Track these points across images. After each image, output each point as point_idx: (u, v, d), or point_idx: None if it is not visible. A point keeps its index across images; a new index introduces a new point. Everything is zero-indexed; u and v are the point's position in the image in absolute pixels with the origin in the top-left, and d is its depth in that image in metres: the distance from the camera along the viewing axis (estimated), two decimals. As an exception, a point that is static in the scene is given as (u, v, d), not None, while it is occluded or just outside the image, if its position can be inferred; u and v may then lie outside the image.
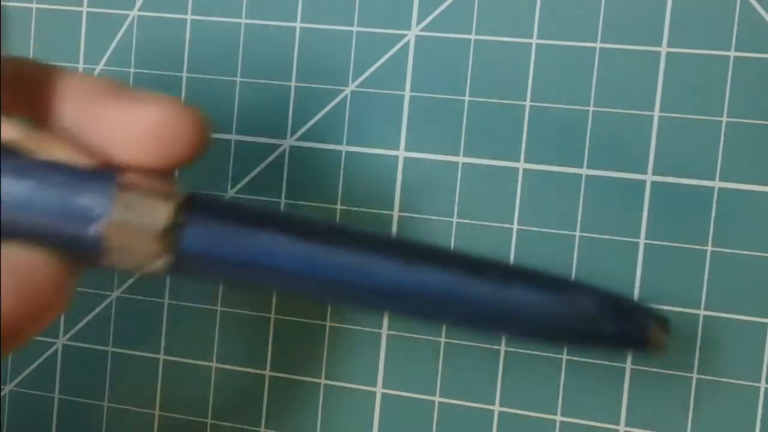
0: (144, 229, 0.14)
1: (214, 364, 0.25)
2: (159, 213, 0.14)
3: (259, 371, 0.25)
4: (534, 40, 0.22)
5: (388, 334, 0.24)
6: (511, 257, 0.23)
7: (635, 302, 0.17)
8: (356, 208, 0.24)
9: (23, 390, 0.26)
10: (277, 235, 0.15)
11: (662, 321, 0.16)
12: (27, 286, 0.15)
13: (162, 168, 0.15)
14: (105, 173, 0.15)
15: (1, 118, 0.15)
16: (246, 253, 0.15)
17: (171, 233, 0.15)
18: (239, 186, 0.24)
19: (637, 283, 0.22)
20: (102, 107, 0.15)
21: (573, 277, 0.22)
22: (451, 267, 0.15)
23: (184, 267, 0.15)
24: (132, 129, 0.15)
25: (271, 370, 0.25)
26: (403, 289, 0.15)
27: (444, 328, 0.23)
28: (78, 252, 0.15)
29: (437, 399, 0.23)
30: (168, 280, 0.25)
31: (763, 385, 0.21)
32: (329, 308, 0.24)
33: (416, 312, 0.16)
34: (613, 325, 0.16)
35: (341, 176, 0.24)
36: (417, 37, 0.23)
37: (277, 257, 0.15)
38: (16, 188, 0.15)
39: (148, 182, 0.15)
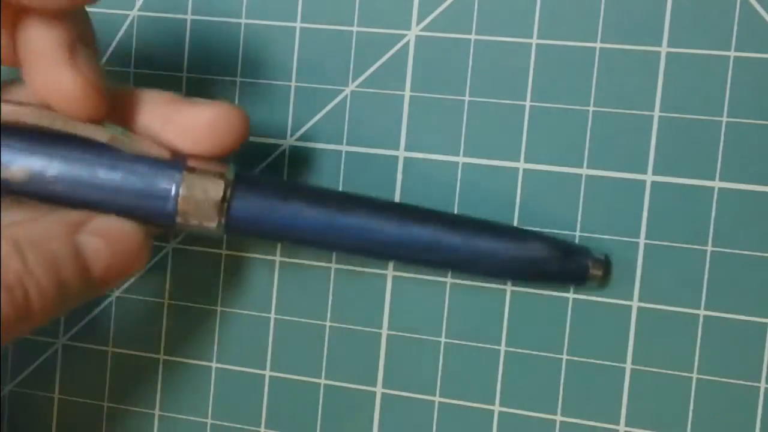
0: (205, 202, 0.20)
1: (214, 364, 0.25)
2: (215, 189, 0.20)
3: (259, 371, 0.25)
4: (534, 40, 0.22)
5: (388, 334, 0.24)
6: (511, 257, 0.23)
7: (577, 245, 0.22)
8: (356, 208, 0.24)
9: (23, 390, 0.26)
10: (303, 204, 0.21)
11: (599, 260, 0.21)
12: (120, 248, 0.20)
13: (216, 155, 0.21)
14: (175, 162, 0.20)
15: (102, 124, 0.20)
16: (278, 217, 0.21)
17: (223, 203, 0.20)
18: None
19: (637, 283, 0.22)
20: (170, 113, 0.21)
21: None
22: (433, 223, 0.21)
23: (234, 228, 0.21)
24: (194, 127, 0.21)
25: (271, 370, 0.25)
26: (398, 241, 0.21)
27: (445, 321, 0.23)
28: (156, 221, 0.20)
29: (437, 399, 0.23)
30: (168, 280, 0.25)
31: (763, 385, 0.21)
32: (329, 308, 0.24)
33: (408, 258, 0.21)
34: (557, 264, 0.21)
35: (341, 176, 0.24)
36: (417, 37, 0.23)
37: (302, 220, 0.21)
38: (112, 175, 0.20)
39: (206, 166, 0.20)
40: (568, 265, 0.21)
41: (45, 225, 0.20)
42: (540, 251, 0.21)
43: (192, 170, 0.20)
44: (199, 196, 0.20)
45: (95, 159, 0.20)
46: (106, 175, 0.20)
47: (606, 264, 0.22)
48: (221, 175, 0.20)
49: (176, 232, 0.21)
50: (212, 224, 0.20)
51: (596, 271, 0.21)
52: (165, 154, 0.20)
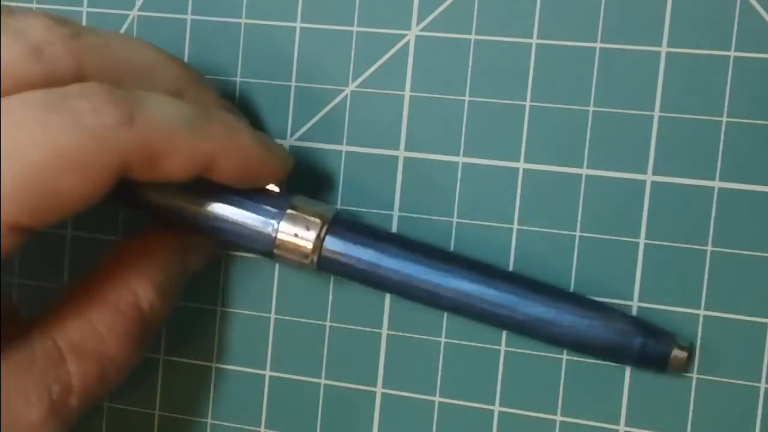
0: (302, 237, 0.22)
1: (214, 364, 0.25)
2: (313, 227, 0.22)
3: (259, 371, 0.25)
4: (534, 40, 0.22)
5: (388, 334, 0.24)
6: (511, 257, 0.23)
7: (662, 329, 0.21)
8: (356, 208, 0.24)
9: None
10: (388, 249, 0.22)
11: (684, 347, 0.21)
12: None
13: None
14: (282, 198, 0.22)
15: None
16: (365, 263, 0.22)
17: (319, 241, 0.22)
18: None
19: (637, 283, 0.22)
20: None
21: (573, 276, 0.22)
22: (513, 284, 0.21)
23: (324, 265, 0.22)
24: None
25: (271, 370, 0.25)
26: (479, 298, 0.21)
27: (445, 321, 0.23)
28: (258, 251, 0.22)
29: (437, 399, 0.23)
30: (168, 280, 0.25)
31: (763, 385, 0.21)
32: (329, 308, 0.24)
33: (485, 317, 0.22)
34: (639, 345, 0.21)
35: (341, 176, 0.24)
36: (417, 37, 0.23)
37: (385, 266, 0.22)
38: (235, 210, 0.22)
39: (309, 206, 0.22)
40: (650, 347, 0.21)
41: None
42: (623, 329, 0.21)
43: (294, 207, 0.22)
44: (297, 231, 0.22)
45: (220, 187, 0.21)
46: (227, 211, 0.22)
47: (690, 351, 0.21)
48: (320, 215, 0.22)
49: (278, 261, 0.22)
50: (306, 261, 0.22)
51: (680, 356, 0.21)
52: (275, 191, 0.22)
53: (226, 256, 0.25)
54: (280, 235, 0.21)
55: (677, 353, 0.21)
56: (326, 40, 0.24)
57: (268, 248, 0.22)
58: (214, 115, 0.20)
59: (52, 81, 0.19)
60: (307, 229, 0.22)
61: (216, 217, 0.22)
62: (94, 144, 0.18)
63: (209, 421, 0.25)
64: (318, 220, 0.22)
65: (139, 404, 0.25)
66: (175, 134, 0.19)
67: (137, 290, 0.22)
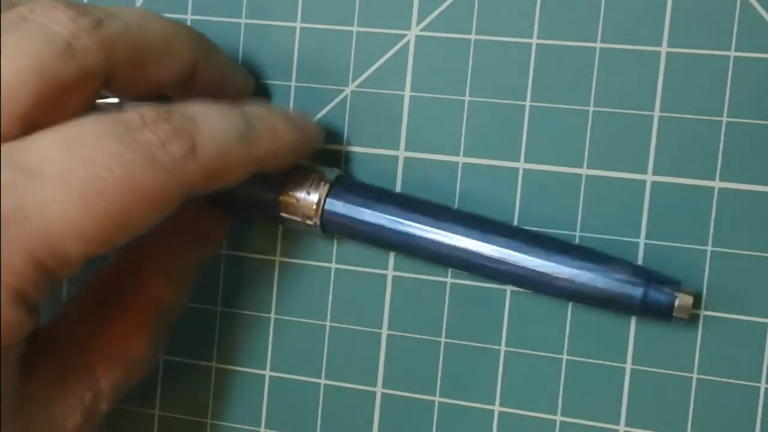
0: (306, 199, 0.22)
1: (214, 364, 0.25)
2: (315, 189, 0.22)
3: (258, 371, 0.25)
4: (534, 40, 0.22)
5: (388, 334, 0.24)
6: (511, 257, 0.23)
7: (667, 276, 0.21)
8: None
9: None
10: (389, 208, 0.22)
11: (689, 290, 0.21)
12: None
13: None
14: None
15: None
16: (368, 219, 0.22)
17: (322, 203, 0.22)
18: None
19: (637, 283, 0.22)
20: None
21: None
22: (513, 238, 0.21)
23: (328, 225, 0.22)
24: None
25: (271, 370, 0.25)
26: (478, 253, 0.21)
27: (445, 321, 0.23)
28: (265, 215, 0.23)
29: (437, 399, 0.23)
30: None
31: (763, 385, 0.21)
32: (329, 308, 0.24)
33: (485, 270, 0.22)
34: (641, 292, 0.20)
35: (341, 176, 0.24)
36: (417, 37, 0.23)
37: (387, 225, 0.22)
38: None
39: (311, 167, 0.22)
40: (652, 295, 0.21)
41: None
42: (624, 277, 0.21)
43: (299, 171, 0.22)
44: (300, 196, 0.22)
45: None
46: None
47: (696, 295, 0.21)
48: (322, 177, 0.22)
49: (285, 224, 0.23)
50: (310, 222, 0.22)
51: (685, 301, 0.20)
52: None
53: (227, 257, 0.25)
54: (284, 198, 0.22)
55: (682, 299, 0.20)
56: (326, 40, 0.24)
57: (275, 212, 0.22)
58: (256, 117, 0.20)
59: (87, 78, 0.18)
60: (310, 191, 0.22)
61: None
62: (166, 179, 0.18)
63: (209, 421, 0.25)
64: (321, 182, 0.22)
65: (139, 404, 0.25)
66: (233, 151, 0.19)
67: (155, 288, 0.22)
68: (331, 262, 0.24)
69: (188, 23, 0.25)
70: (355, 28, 0.24)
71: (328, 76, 0.24)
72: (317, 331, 0.24)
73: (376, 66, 0.23)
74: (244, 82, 0.23)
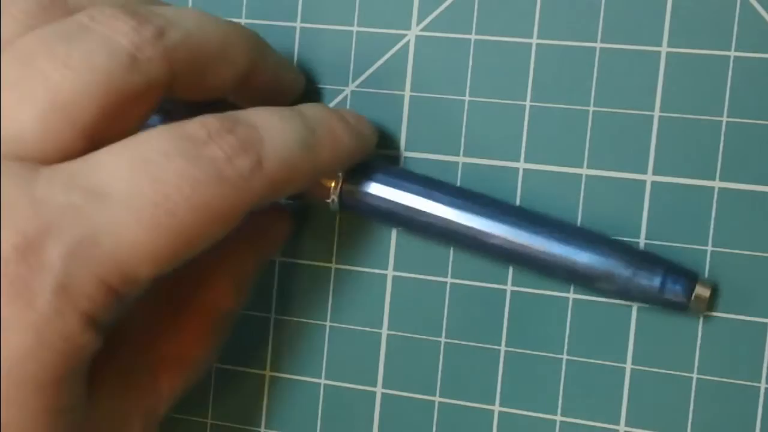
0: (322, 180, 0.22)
1: (214, 364, 0.25)
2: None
3: (259, 371, 0.25)
4: (534, 40, 0.22)
5: (388, 334, 0.24)
6: (511, 257, 0.23)
7: (683, 267, 0.21)
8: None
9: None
10: (408, 185, 0.22)
11: (708, 283, 0.21)
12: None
13: None
14: None
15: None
16: (383, 197, 0.22)
17: (339, 181, 0.22)
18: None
19: (637, 283, 0.22)
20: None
21: (573, 277, 0.22)
22: (526, 221, 0.21)
23: (345, 203, 0.22)
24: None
25: (271, 370, 0.25)
26: (509, 241, 0.21)
27: (445, 321, 0.23)
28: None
29: (437, 399, 0.23)
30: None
31: (763, 385, 0.21)
32: (329, 308, 0.24)
33: (517, 259, 0.22)
34: (660, 281, 0.21)
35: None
36: (417, 37, 0.23)
37: (406, 203, 0.22)
38: None
39: None
40: (669, 286, 0.21)
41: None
42: (643, 265, 0.21)
43: None
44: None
45: None
46: None
47: (714, 290, 0.21)
48: None
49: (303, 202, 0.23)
50: (328, 200, 0.22)
51: (701, 295, 0.21)
52: None
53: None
54: None
55: (700, 290, 0.21)
56: (326, 40, 0.24)
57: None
58: (316, 122, 0.20)
59: (151, 90, 0.18)
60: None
61: None
62: (234, 196, 0.18)
63: (209, 421, 0.25)
64: None
65: (139, 404, 0.25)
66: (297, 162, 0.19)
67: (218, 294, 0.22)
68: (331, 262, 0.24)
69: (188, 23, 0.25)
70: (355, 28, 0.24)
71: (328, 76, 0.24)
72: (317, 331, 0.24)
73: (376, 66, 0.23)
74: (296, 79, 0.23)
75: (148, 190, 0.17)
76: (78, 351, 0.17)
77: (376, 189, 0.22)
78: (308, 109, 0.20)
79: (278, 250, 0.24)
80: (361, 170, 0.22)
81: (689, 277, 0.21)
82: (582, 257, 0.21)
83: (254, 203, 0.18)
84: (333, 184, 0.22)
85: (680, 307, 0.21)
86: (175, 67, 0.19)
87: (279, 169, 0.18)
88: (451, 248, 0.23)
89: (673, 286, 0.21)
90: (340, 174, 0.22)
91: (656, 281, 0.21)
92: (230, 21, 0.20)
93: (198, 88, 0.20)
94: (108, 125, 0.18)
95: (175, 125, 0.18)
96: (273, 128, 0.19)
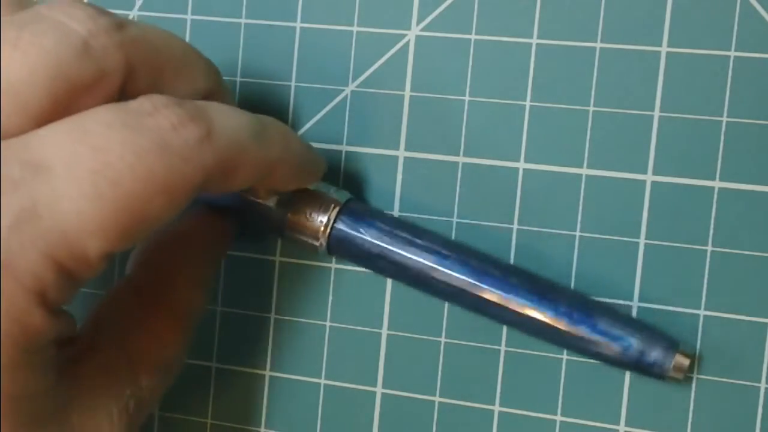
0: (314, 219, 0.22)
1: (214, 364, 0.25)
2: (324, 210, 0.22)
3: (259, 371, 0.25)
4: (534, 40, 0.22)
5: (388, 334, 0.24)
6: (511, 257, 0.23)
7: (663, 334, 0.21)
8: (356, 208, 0.24)
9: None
10: (396, 238, 0.22)
11: (686, 353, 0.21)
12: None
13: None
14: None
15: None
16: (373, 245, 0.22)
17: (330, 225, 0.22)
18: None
19: (637, 283, 0.22)
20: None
21: (573, 276, 0.22)
22: (516, 280, 0.21)
23: (333, 248, 0.22)
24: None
25: (271, 370, 0.25)
26: (499, 298, 0.21)
27: (445, 321, 0.23)
28: (269, 230, 0.23)
29: (437, 399, 0.23)
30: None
31: (763, 385, 0.21)
32: (329, 308, 0.24)
33: (504, 318, 0.22)
34: (637, 356, 0.21)
35: (341, 176, 0.24)
36: (417, 37, 0.23)
37: (394, 251, 0.22)
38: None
39: (320, 187, 0.22)
40: (646, 358, 0.21)
41: None
42: (620, 334, 0.21)
43: (307, 192, 0.22)
44: (309, 216, 0.22)
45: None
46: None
47: (692, 357, 0.21)
48: (333, 200, 0.22)
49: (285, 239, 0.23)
50: (316, 243, 0.22)
51: (680, 364, 0.21)
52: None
53: (227, 257, 0.25)
54: (292, 216, 0.22)
55: (678, 360, 0.21)
56: (326, 40, 0.24)
57: (281, 227, 0.22)
58: (267, 122, 0.20)
59: (104, 80, 0.18)
60: (319, 211, 0.22)
61: (229, 198, 0.22)
62: (181, 165, 0.17)
63: (209, 421, 0.25)
64: (331, 204, 0.22)
65: (139, 404, 0.25)
66: (247, 146, 0.18)
67: (186, 291, 0.22)
68: (331, 262, 0.24)
69: (188, 23, 0.25)
70: (355, 28, 0.24)
71: (328, 76, 0.24)
72: (317, 331, 0.24)
73: (376, 66, 0.23)
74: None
75: (89, 159, 0.16)
76: (31, 333, 0.16)
77: (363, 239, 0.22)
78: (262, 115, 0.20)
79: (229, 248, 0.24)
80: (351, 217, 0.22)
81: (667, 345, 0.21)
82: (564, 324, 0.21)
83: (203, 178, 0.17)
84: (322, 229, 0.22)
85: (658, 376, 0.21)
86: (131, 61, 0.18)
87: (227, 145, 0.18)
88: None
89: (650, 357, 0.21)
90: (330, 217, 0.22)
91: (632, 356, 0.21)
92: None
93: (154, 93, 0.19)
94: (59, 113, 0.17)
95: (121, 102, 0.17)
96: (223, 111, 0.18)
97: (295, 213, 0.22)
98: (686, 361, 0.21)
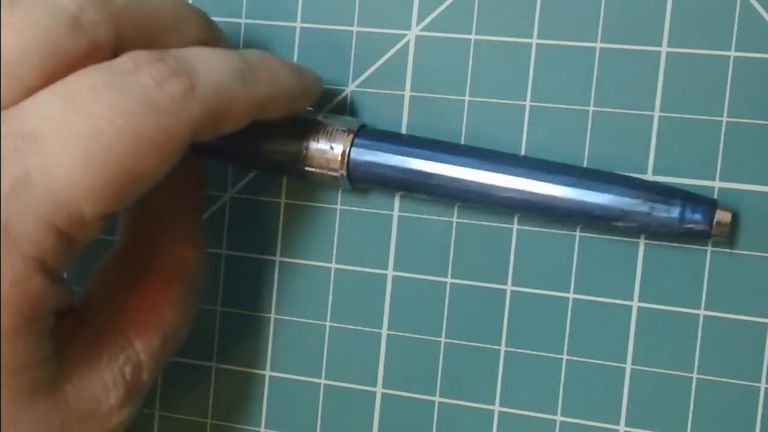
0: (330, 151, 0.22)
1: (214, 364, 0.25)
2: (339, 139, 0.22)
3: (258, 371, 0.25)
4: (534, 40, 0.22)
5: (388, 334, 0.24)
6: (511, 256, 0.23)
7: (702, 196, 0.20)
8: (356, 209, 0.24)
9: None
10: (415, 151, 0.22)
11: (727, 209, 0.20)
12: None
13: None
14: (308, 117, 0.23)
15: None
16: (392, 164, 0.22)
17: (347, 153, 0.22)
18: (241, 184, 0.24)
19: (637, 284, 0.22)
20: None
21: (573, 275, 0.22)
22: (542, 170, 0.21)
23: (354, 176, 0.22)
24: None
25: (271, 370, 0.25)
26: (519, 190, 0.21)
27: (445, 321, 0.23)
28: (288, 171, 0.23)
29: (437, 399, 0.23)
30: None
31: (763, 385, 0.21)
32: (329, 308, 0.24)
33: (529, 209, 0.21)
34: (679, 211, 0.20)
35: (341, 176, 0.24)
36: (417, 37, 0.23)
37: (414, 167, 0.22)
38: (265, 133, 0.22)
39: (332, 119, 0.22)
40: (689, 214, 0.20)
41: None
42: (660, 197, 0.20)
43: (321, 123, 0.22)
44: (325, 148, 0.22)
45: None
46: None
47: (734, 215, 0.20)
48: (346, 128, 0.22)
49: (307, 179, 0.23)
50: (336, 174, 0.22)
51: (722, 220, 0.20)
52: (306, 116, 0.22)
53: (227, 257, 0.25)
54: (308, 152, 0.22)
55: (721, 215, 0.20)
56: (326, 40, 0.24)
57: (298, 166, 0.22)
58: (255, 60, 0.20)
59: (95, 52, 0.18)
60: (334, 142, 0.22)
61: (248, 144, 0.22)
62: (168, 121, 0.17)
63: (209, 421, 0.25)
64: (345, 132, 0.22)
65: (139, 404, 0.25)
66: (233, 92, 0.19)
67: (180, 250, 0.22)
68: (331, 262, 0.24)
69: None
70: (355, 28, 0.24)
71: (328, 76, 0.24)
72: (317, 331, 0.24)
73: (376, 66, 0.23)
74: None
75: (79, 125, 0.17)
76: (30, 298, 0.17)
77: (383, 158, 0.22)
78: (247, 50, 0.20)
79: (203, 191, 0.24)
80: (364, 142, 0.22)
81: (708, 204, 0.20)
82: (597, 199, 0.20)
83: (191, 131, 0.18)
84: (340, 159, 0.22)
85: (703, 236, 0.20)
86: (120, 31, 0.18)
87: (213, 95, 0.18)
88: (456, 207, 0.23)
89: (693, 215, 0.20)
90: (345, 149, 0.22)
91: (675, 212, 0.20)
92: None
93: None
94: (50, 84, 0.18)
95: (104, 63, 0.18)
96: (206, 58, 0.19)
97: (310, 148, 0.22)
98: (728, 216, 0.20)
